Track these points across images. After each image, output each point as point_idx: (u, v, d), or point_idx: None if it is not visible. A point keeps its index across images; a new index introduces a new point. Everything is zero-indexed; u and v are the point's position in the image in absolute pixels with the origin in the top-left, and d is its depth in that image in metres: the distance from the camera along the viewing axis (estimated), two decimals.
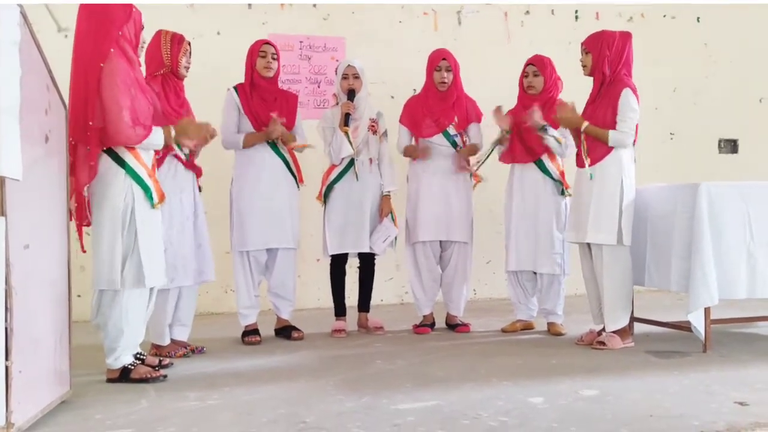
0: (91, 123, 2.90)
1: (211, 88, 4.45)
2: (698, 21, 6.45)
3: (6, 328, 2.17)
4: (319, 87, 5.60)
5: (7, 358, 2.18)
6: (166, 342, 3.68)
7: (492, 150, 4.27)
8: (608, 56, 3.72)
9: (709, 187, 3.45)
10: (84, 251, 3.01)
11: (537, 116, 3.99)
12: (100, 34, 2.95)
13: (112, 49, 2.94)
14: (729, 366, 3.20)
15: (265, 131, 4.03)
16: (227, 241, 4.21)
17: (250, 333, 4.11)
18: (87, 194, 2.94)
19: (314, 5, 5.61)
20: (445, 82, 4.27)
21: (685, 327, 3.79)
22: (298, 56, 5.50)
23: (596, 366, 3.21)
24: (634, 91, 3.69)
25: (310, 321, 4.44)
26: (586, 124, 3.68)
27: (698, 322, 3.47)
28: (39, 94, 2.50)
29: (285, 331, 4.23)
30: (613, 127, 3.66)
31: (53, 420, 2.49)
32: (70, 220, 2.86)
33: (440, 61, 4.28)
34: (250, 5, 5.47)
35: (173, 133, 3.20)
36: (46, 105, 2.58)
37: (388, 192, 4.34)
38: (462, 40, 5.79)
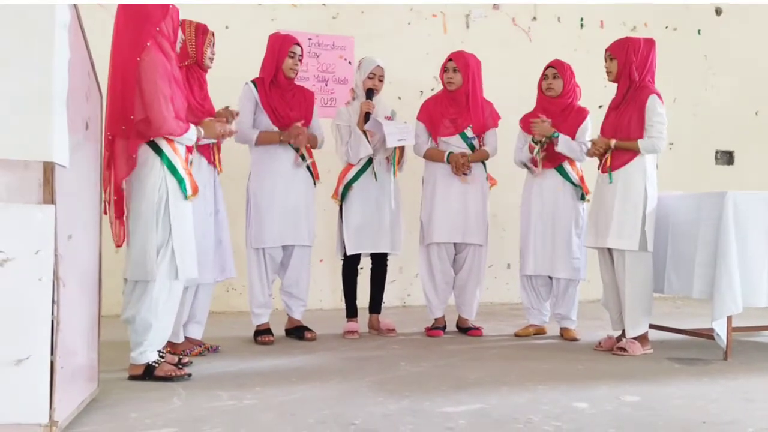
0: (132, 117, 2.85)
1: (218, 83, 4.31)
2: (699, 33, 6.55)
3: (52, 321, 2.08)
4: (326, 85, 5.54)
5: (52, 353, 2.09)
6: (181, 339, 3.59)
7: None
8: (634, 62, 3.73)
9: (735, 196, 3.48)
10: (120, 245, 2.92)
11: (545, 128, 4.02)
12: (137, 30, 2.90)
13: (148, 43, 2.89)
14: (755, 374, 3.23)
15: (283, 132, 3.96)
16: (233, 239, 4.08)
17: (263, 333, 4.03)
18: (125, 187, 2.88)
19: (324, 4, 5.56)
20: (451, 82, 4.28)
21: (701, 334, 3.83)
22: (307, 54, 5.40)
23: (625, 372, 3.21)
24: (660, 97, 3.71)
25: (315, 322, 4.37)
26: (614, 141, 3.70)
27: (721, 330, 3.49)
28: (81, 80, 2.41)
29: (297, 331, 4.15)
30: (638, 132, 3.68)
31: (88, 419, 2.39)
32: (104, 213, 2.79)
33: (447, 62, 4.32)
34: (260, 2, 5.39)
35: (202, 132, 3.21)
36: (87, 91, 2.49)
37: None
38: (470, 44, 5.73)
